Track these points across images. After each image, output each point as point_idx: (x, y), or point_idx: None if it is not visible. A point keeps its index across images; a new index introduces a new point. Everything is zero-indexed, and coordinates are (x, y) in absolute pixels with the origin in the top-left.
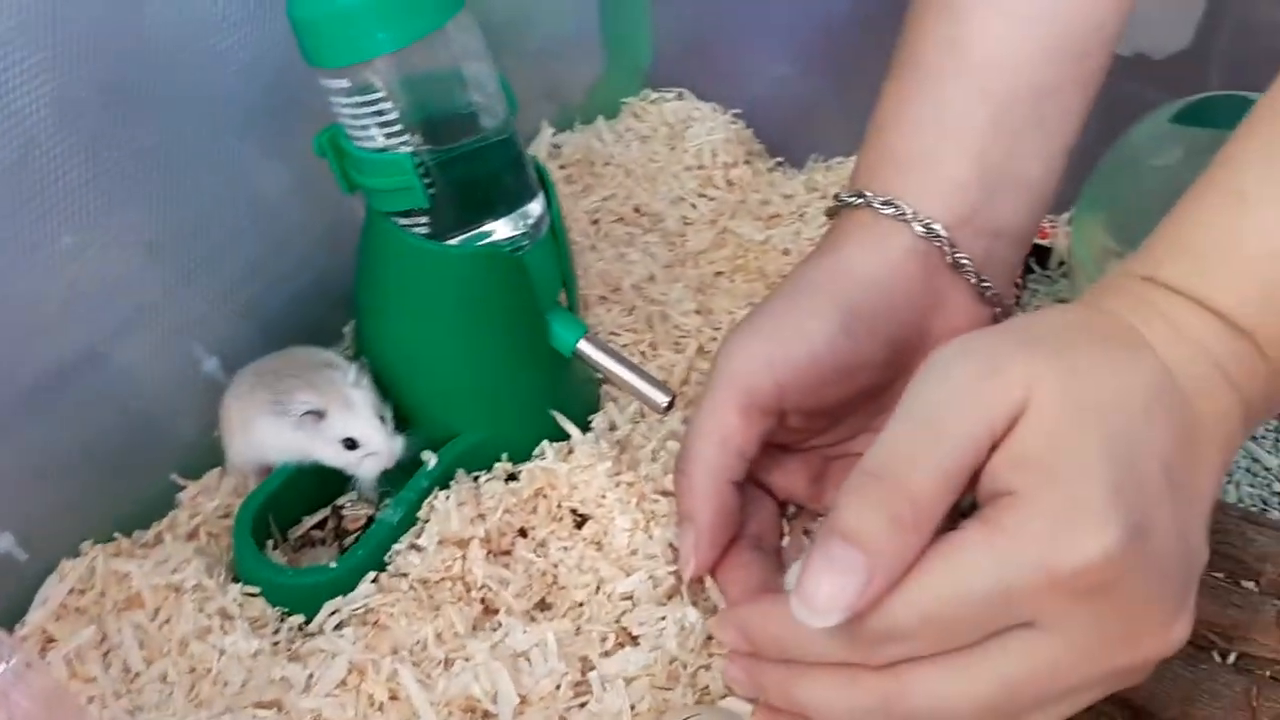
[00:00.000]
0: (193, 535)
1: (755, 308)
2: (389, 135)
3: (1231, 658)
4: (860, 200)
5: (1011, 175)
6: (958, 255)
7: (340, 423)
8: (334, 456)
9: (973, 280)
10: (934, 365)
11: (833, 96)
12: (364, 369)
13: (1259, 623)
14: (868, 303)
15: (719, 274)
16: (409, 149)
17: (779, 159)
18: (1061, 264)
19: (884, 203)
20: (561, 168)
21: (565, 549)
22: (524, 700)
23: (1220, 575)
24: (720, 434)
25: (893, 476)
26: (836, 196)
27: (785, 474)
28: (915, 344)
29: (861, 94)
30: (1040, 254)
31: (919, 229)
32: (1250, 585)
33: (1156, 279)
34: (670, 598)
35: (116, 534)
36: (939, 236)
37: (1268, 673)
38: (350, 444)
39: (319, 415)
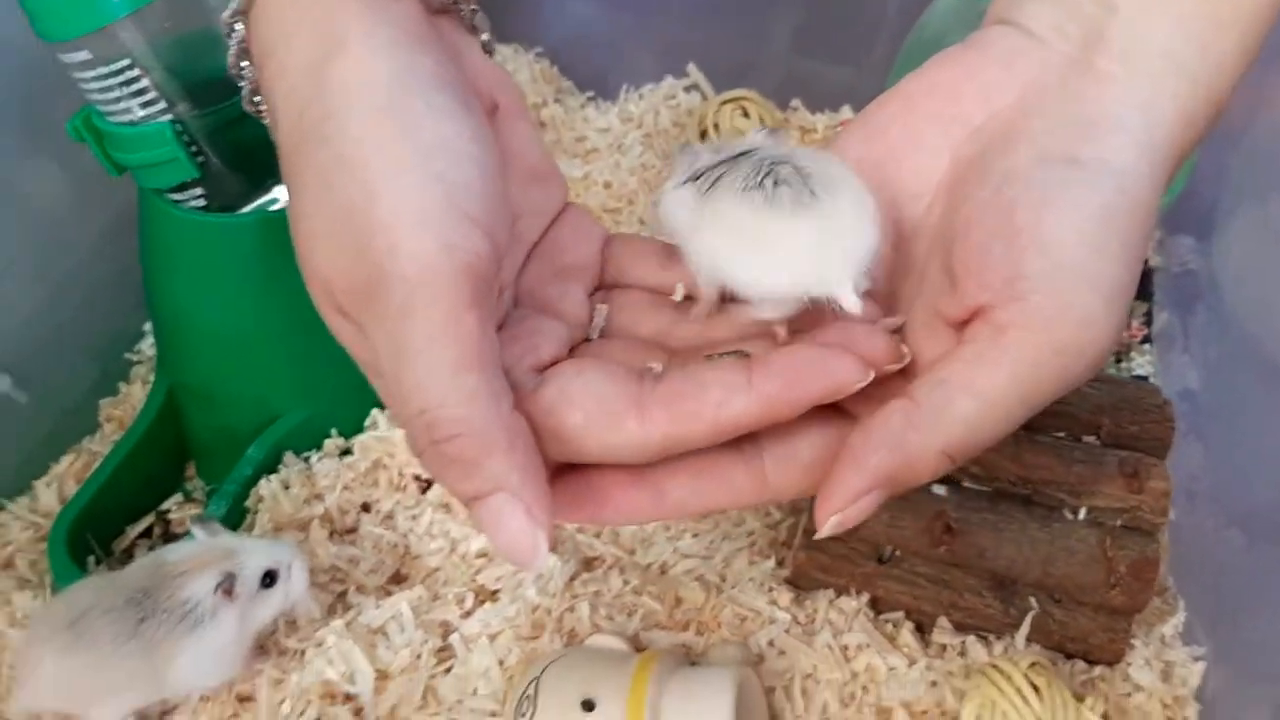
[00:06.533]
0: (7, 564)
1: (341, 171)
2: (145, 105)
3: (1082, 513)
4: None
5: None
6: None
7: (249, 567)
8: (266, 608)
9: (463, 13)
10: None
11: (637, 27)
12: (205, 522)
13: (1104, 475)
14: (438, 70)
15: None
16: (169, 117)
17: (590, 94)
18: None
19: None
20: None
21: (413, 517)
22: (385, 675)
23: (1061, 435)
24: (473, 356)
25: None
26: None
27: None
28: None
29: (666, 21)
30: None
31: None
32: (1091, 439)
33: None
34: None
35: None
36: None
37: (1118, 522)
38: (269, 579)
39: (229, 580)
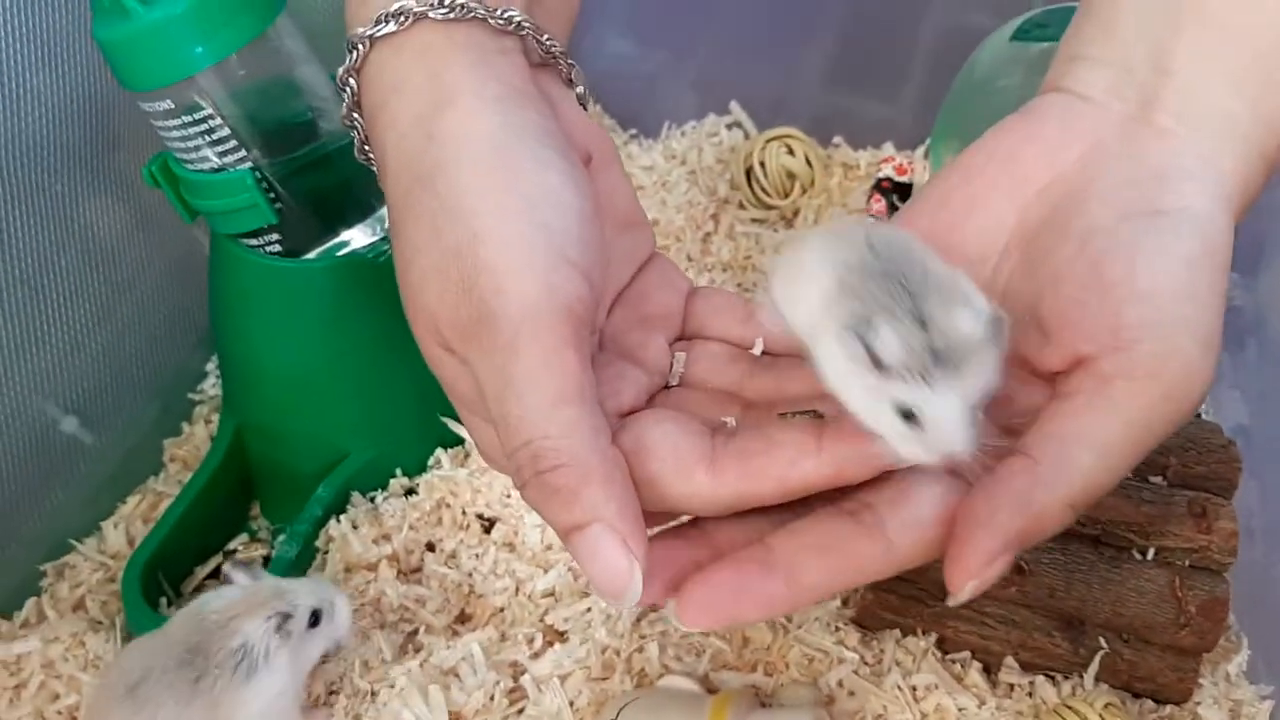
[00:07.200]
0: (78, 606)
1: (450, 217)
2: (223, 153)
3: (1151, 553)
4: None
5: None
6: (548, 41)
7: (301, 605)
8: (315, 647)
9: (562, 68)
10: None
11: (675, 64)
12: (244, 566)
13: (1172, 515)
14: (541, 123)
15: None
16: (247, 164)
17: (633, 131)
18: None
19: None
20: None
21: (477, 556)
22: (458, 717)
23: (1129, 475)
24: (573, 391)
25: None
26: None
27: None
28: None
29: (704, 58)
30: (903, 191)
31: (495, 23)
32: (1158, 480)
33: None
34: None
35: None
36: (522, 26)
37: (1186, 562)
38: (314, 618)
39: (285, 619)
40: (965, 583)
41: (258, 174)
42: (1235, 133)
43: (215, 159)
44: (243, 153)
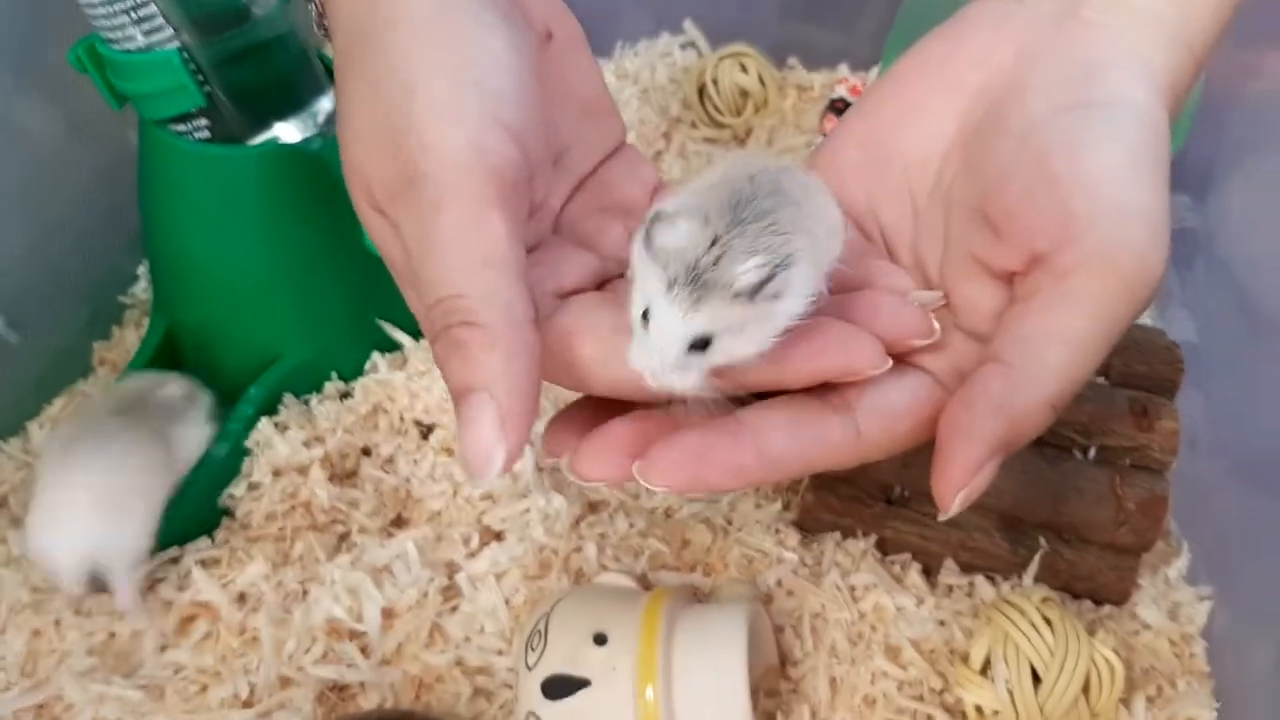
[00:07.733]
0: (1, 504)
1: (387, 73)
2: (149, 31)
3: (1092, 452)
4: None
5: None
6: None
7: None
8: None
9: None
10: None
11: None
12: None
13: (1114, 414)
14: None
15: None
16: (174, 44)
17: None
18: None
19: None
20: None
21: (415, 462)
22: (391, 613)
23: None
24: (497, 256)
25: None
26: None
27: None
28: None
29: None
30: None
31: None
32: (1100, 380)
33: None
34: (531, 489)
35: None
36: None
37: (1127, 460)
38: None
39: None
40: (954, 494)
41: (185, 54)
42: (1163, 28)
43: (141, 38)
44: (169, 32)
